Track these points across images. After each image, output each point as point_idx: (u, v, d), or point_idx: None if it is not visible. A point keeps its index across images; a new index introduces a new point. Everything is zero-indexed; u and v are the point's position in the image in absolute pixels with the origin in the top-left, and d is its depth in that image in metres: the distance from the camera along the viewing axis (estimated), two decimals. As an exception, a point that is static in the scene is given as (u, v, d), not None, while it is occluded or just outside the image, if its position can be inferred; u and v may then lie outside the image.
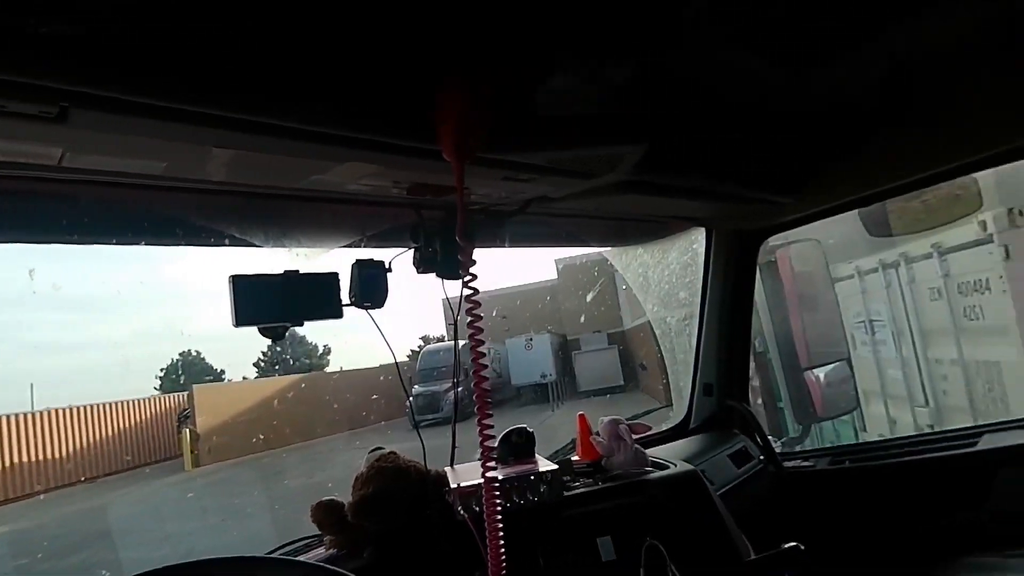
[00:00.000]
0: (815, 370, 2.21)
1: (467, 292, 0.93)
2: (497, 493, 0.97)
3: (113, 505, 10.19)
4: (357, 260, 1.26)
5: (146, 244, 1.09)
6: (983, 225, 3.81)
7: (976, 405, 4.18)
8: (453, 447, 1.43)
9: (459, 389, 1.46)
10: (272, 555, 1.21)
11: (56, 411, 12.59)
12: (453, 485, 1.24)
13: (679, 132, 1.27)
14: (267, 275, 1.13)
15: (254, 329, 1.12)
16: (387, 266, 1.29)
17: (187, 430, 13.23)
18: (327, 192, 1.11)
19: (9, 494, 11.10)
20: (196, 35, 0.65)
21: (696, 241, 2.16)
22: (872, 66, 1.29)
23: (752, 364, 2.30)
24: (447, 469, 1.35)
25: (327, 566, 0.93)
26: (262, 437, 13.17)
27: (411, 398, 3.25)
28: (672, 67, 1.08)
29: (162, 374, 24.27)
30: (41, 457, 11.98)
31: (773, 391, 3.78)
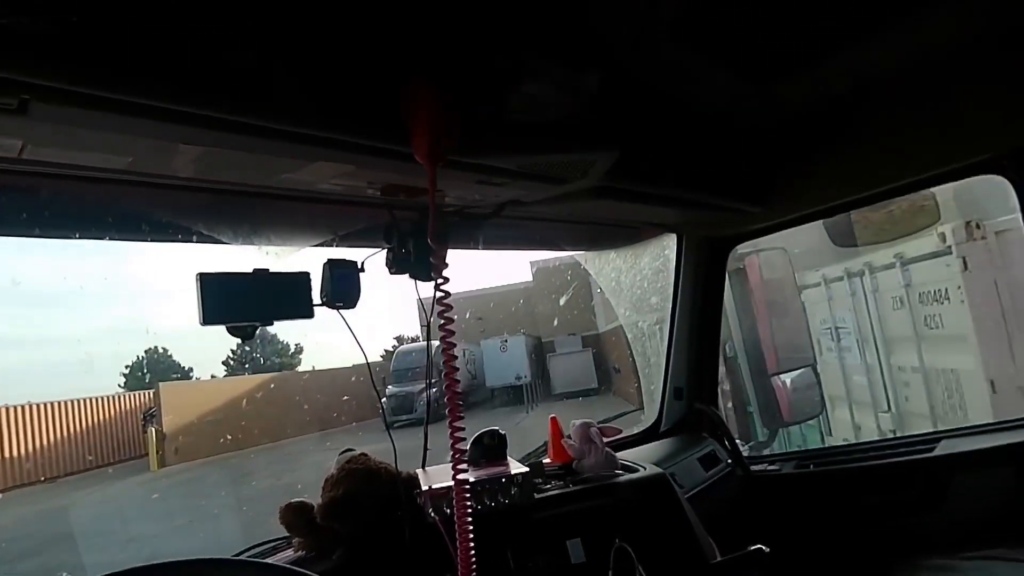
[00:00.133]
0: (782, 375, 2.25)
1: (439, 295, 0.93)
2: (468, 495, 0.97)
3: (75, 506, 9.82)
4: (329, 260, 1.25)
5: (110, 239, 1.07)
6: (942, 237, 3.95)
7: (936, 411, 4.33)
8: (425, 449, 1.42)
9: (433, 390, 1.46)
10: (239, 557, 1.19)
11: (14, 408, 12.14)
12: (424, 487, 1.23)
13: (651, 140, 1.30)
14: (236, 273, 1.10)
15: (223, 327, 1.10)
16: (360, 266, 1.28)
17: (153, 429, 12.87)
18: (298, 191, 1.09)
19: (-39, 494, 10.68)
20: (163, 30, 0.64)
21: (668, 247, 2.19)
22: (835, 82, 1.34)
23: (722, 369, 2.34)
24: (419, 471, 1.34)
25: (295, 568, 0.92)
26: (230, 437, 12.89)
27: (384, 399, 3.23)
28: (643, 77, 1.10)
29: (127, 371, 23.56)
30: (-3, 455, 11.55)
31: (743, 395, 3.86)
